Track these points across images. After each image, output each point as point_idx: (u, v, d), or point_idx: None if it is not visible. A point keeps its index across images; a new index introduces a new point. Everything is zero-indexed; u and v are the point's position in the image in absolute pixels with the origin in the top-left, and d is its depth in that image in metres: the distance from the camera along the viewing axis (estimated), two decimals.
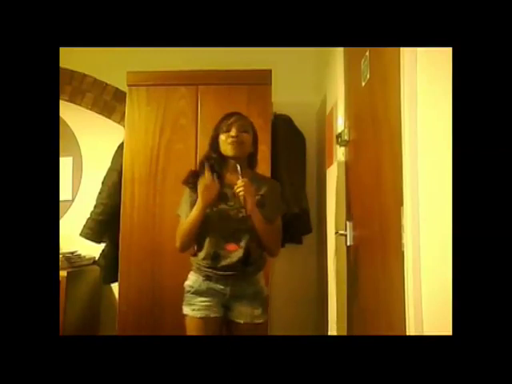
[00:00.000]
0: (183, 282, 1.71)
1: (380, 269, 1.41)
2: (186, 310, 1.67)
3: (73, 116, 3.06)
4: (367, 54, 1.55)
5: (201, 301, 1.64)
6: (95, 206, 2.52)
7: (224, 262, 1.64)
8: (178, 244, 1.69)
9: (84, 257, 2.82)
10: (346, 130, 1.88)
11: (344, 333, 1.86)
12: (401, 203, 1.14)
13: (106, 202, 2.49)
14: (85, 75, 2.92)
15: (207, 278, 1.66)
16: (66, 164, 3.06)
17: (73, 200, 3.10)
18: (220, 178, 1.68)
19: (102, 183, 2.56)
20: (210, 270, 1.66)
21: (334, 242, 2.04)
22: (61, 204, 2.75)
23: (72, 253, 2.74)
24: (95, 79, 2.91)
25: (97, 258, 2.64)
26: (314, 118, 2.86)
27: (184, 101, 2.38)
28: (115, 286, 2.59)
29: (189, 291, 1.68)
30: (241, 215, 1.65)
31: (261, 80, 2.34)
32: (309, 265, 2.78)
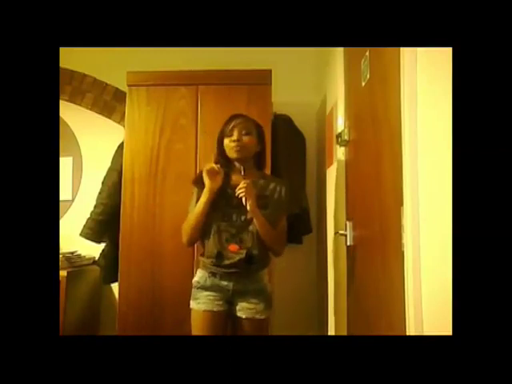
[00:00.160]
0: (183, 282, 1.74)
1: (380, 269, 1.41)
2: (192, 303, 1.73)
3: (73, 116, 3.06)
4: (367, 54, 1.55)
5: (205, 295, 1.70)
6: (95, 206, 2.52)
7: (227, 261, 1.68)
8: (184, 238, 1.75)
9: (84, 257, 2.83)
10: (345, 130, 1.88)
11: (344, 333, 1.86)
12: (401, 203, 1.14)
13: (106, 201, 2.48)
14: (85, 75, 2.91)
15: (212, 274, 1.71)
16: (65, 164, 3.06)
17: (73, 200, 3.11)
18: (227, 177, 1.72)
19: (102, 183, 2.56)
20: (214, 267, 1.70)
21: (334, 241, 2.04)
22: (61, 204, 2.76)
23: (72, 253, 2.75)
24: (95, 79, 2.91)
25: (97, 258, 2.64)
26: (313, 117, 2.86)
27: (184, 101, 2.38)
28: (115, 286, 2.59)
29: (195, 286, 1.74)
30: (243, 217, 1.68)
31: (261, 80, 2.34)
32: (309, 265, 2.79)
